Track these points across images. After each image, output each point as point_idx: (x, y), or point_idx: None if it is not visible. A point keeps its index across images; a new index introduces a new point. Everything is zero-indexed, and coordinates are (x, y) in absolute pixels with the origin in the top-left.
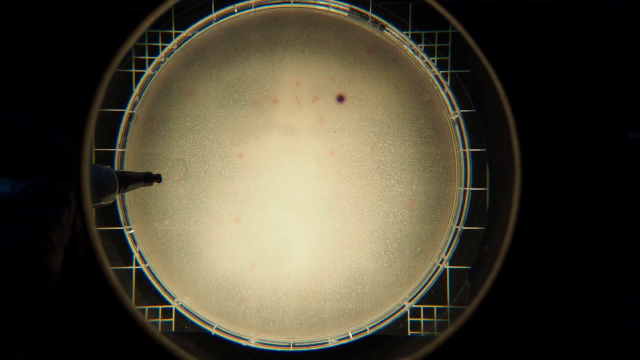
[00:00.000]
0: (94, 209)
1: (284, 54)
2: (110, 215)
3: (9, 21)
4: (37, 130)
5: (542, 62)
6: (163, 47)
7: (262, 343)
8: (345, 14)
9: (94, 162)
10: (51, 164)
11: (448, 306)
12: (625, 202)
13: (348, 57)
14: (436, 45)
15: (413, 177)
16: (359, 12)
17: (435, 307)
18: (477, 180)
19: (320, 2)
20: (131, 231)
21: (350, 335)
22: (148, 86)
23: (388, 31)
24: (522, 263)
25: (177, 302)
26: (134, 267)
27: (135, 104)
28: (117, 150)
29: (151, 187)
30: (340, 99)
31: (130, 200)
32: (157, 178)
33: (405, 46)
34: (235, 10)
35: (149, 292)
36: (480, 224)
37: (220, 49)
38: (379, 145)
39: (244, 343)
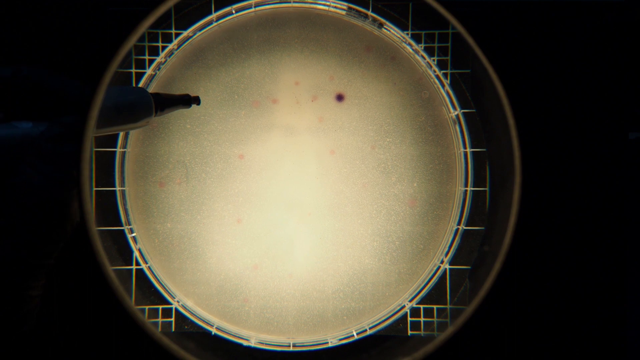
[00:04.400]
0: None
1: (282, 54)
2: (111, 216)
3: (9, 21)
4: (56, 77)
5: (542, 62)
6: (163, 47)
7: (262, 343)
8: (343, 12)
9: (93, 163)
10: (73, 106)
11: (448, 306)
12: (625, 202)
13: (347, 55)
14: (436, 45)
15: (414, 175)
16: (357, 10)
17: (435, 307)
18: (477, 180)
19: (321, 2)
20: (133, 234)
21: (355, 333)
22: (148, 87)
23: (386, 29)
24: (522, 263)
25: (178, 302)
26: (134, 267)
27: None
28: (118, 150)
29: (152, 188)
30: (340, 97)
31: (132, 203)
32: (196, 100)
33: (404, 44)
34: (233, 12)
35: (149, 292)
36: (481, 224)
37: (218, 50)
38: (379, 144)
39: (244, 343)
